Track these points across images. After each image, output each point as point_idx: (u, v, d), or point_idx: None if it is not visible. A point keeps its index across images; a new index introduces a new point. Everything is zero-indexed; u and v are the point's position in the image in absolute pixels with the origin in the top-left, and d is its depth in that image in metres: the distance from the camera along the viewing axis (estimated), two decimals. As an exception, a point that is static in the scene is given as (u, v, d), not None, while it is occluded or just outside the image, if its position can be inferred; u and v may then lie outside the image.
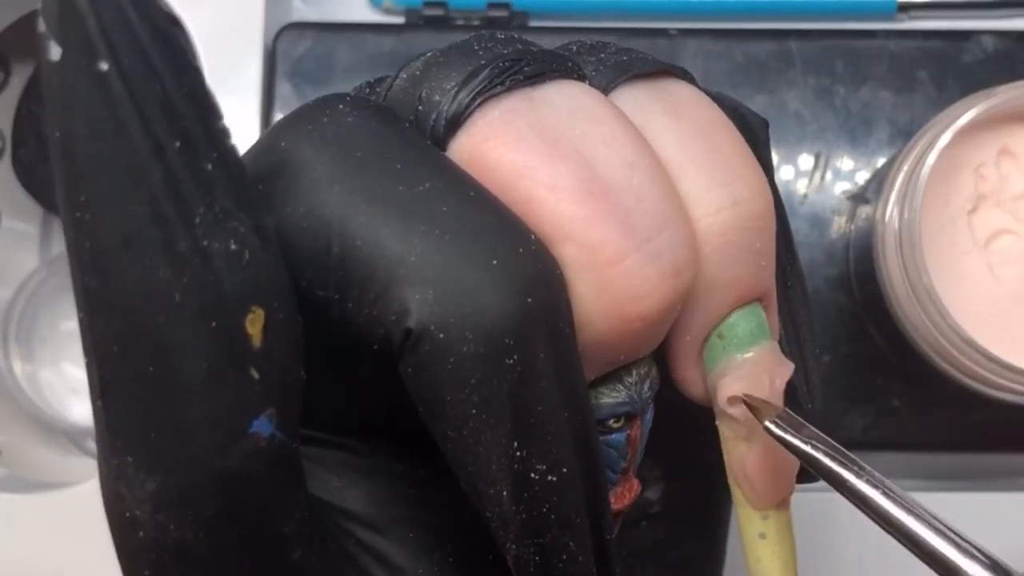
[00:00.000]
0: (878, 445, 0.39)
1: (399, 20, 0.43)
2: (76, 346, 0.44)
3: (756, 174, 0.19)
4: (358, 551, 0.20)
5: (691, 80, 0.21)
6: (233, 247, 0.16)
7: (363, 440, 0.21)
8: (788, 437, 0.18)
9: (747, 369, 0.19)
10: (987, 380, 0.34)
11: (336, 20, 0.42)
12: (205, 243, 0.15)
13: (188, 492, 0.16)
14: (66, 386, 0.44)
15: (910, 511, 0.17)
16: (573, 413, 0.17)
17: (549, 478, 0.17)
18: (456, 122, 0.18)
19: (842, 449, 0.18)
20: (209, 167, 0.15)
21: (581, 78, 0.19)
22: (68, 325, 0.45)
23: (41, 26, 0.15)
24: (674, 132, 0.19)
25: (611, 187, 0.17)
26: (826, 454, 0.18)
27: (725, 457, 0.20)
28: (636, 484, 0.21)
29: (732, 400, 0.19)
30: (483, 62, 0.18)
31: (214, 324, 0.15)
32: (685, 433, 0.22)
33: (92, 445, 0.44)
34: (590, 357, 0.18)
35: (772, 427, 0.19)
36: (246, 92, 0.39)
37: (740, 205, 0.19)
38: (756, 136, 0.21)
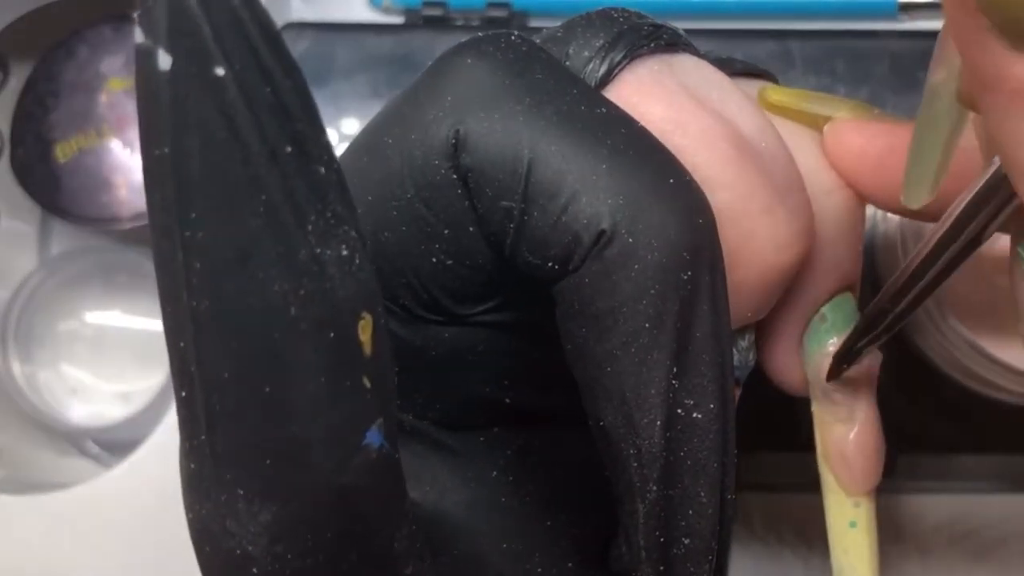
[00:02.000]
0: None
1: (398, 20, 0.42)
2: (75, 347, 0.44)
3: None
4: (464, 562, 0.19)
5: (777, 81, 0.22)
6: (345, 253, 0.15)
7: (460, 440, 0.21)
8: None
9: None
10: (987, 380, 0.34)
11: (335, 20, 0.42)
12: (319, 250, 0.15)
13: (307, 516, 0.15)
14: (65, 387, 0.44)
15: None
16: (720, 349, 0.17)
17: (695, 415, 0.17)
18: (608, 77, 0.19)
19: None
20: (322, 171, 0.15)
21: (701, 57, 0.20)
22: (67, 326, 0.44)
23: (139, 37, 0.14)
24: (780, 121, 0.20)
25: (753, 145, 0.18)
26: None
27: (819, 442, 0.21)
28: None
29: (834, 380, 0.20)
30: (626, 27, 0.19)
31: (332, 335, 0.15)
32: None
33: (91, 446, 0.44)
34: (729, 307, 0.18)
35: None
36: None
37: (845, 188, 0.20)
38: None
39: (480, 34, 0.19)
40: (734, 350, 0.20)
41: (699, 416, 0.17)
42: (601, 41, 0.19)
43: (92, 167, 0.44)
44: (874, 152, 0.20)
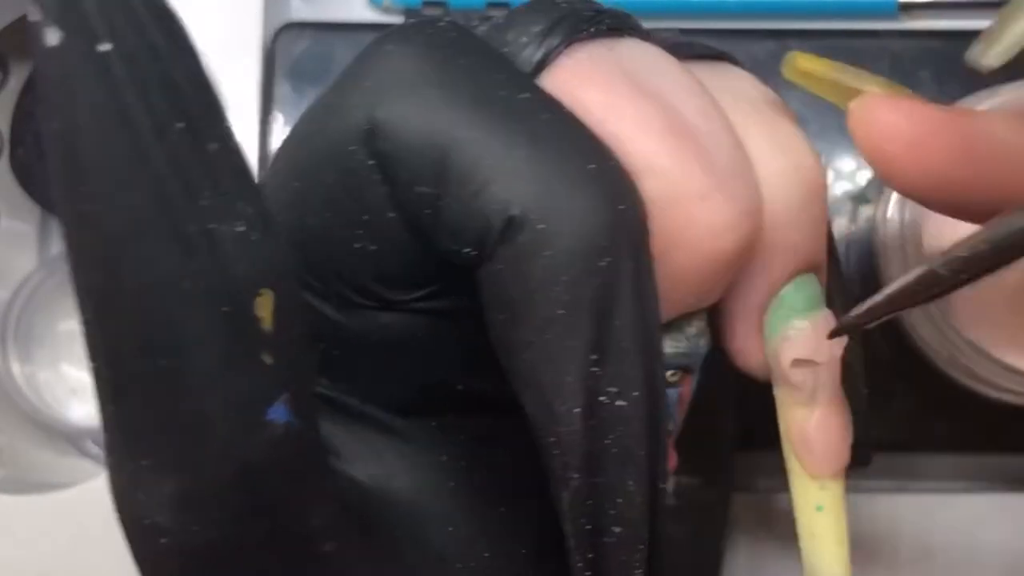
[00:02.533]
0: (878, 446, 0.39)
1: (398, 20, 0.42)
2: (75, 347, 0.44)
3: (812, 149, 0.20)
4: (402, 543, 0.20)
5: (742, 65, 0.22)
6: (240, 229, 0.15)
7: (410, 425, 0.21)
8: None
9: (808, 333, 0.20)
10: (987, 381, 0.34)
11: (335, 20, 0.42)
12: (212, 226, 0.15)
13: (210, 488, 0.16)
14: (65, 387, 0.44)
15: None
16: (646, 337, 0.17)
17: (618, 403, 0.17)
18: (543, 63, 0.19)
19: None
20: (214, 147, 0.15)
21: (651, 42, 0.20)
22: (66, 326, 0.44)
23: (33, 14, 0.15)
24: (734, 104, 0.20)
25: (693, 129, 0.18)
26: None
27: (782, 426, 0.21)
28: (674, 456, 0.21)
29: (795, 363, 0.20)
30: (567, 12, 0.19)
31: (225, 309, 0.15)
32: (690, 429, 0.22)
33: (91, 446, 0.44)
34: (663, 294, 0.18)
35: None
36: (245, 91, 0.39)
37: (801, 170, 0.20)
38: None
39: (411, 21, 0.19)
40: (681, 336, 0.20)
41: (623, 404, 0.17)
42: (540, 27, 0.19)
43: (92, 167, 0.44)
44: (908, 132, 0.19)
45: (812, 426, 0.20)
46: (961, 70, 0.41)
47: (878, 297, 0.19)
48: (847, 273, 0.39)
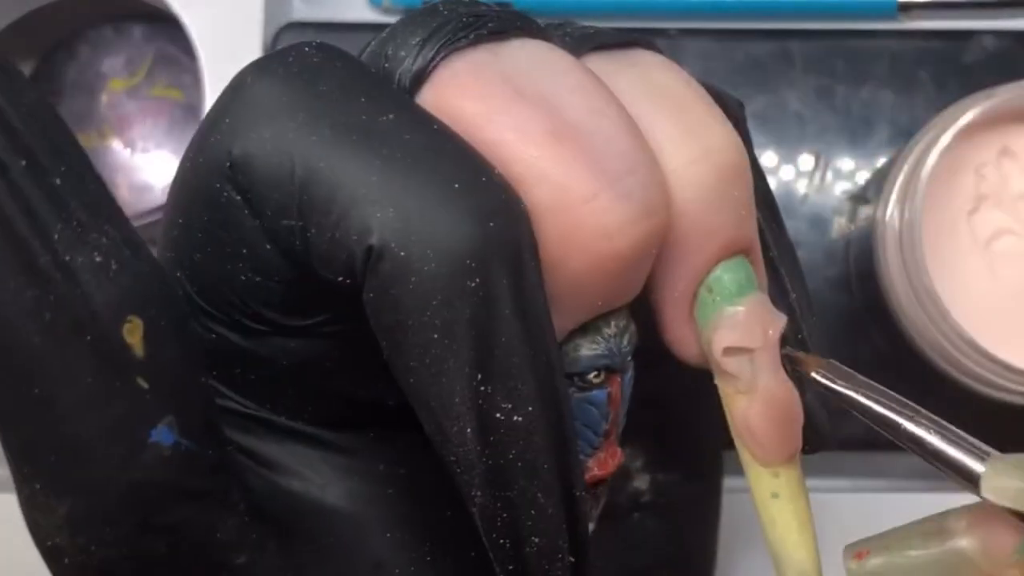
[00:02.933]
0: (879, 445, 0.39)
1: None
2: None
3: (727, 128, 0.19)
4: (334, 550, 0.20)
5: (657, 50, 0.21)
6: (98, 259, 0.16)
7: (345, 437, 0.21)
8: (836, 387, 0.18)
9: (739, 319, 0.19)
10: (987, 380, 0.34)
11: (336, 20, 0.42)
12: (67, 258, 0.15)
13: (100, 510, 0.16)
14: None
15: (967, 450, 0.17)
16: (538, 351, 0.17)
17: (515, 418, 0.17)
18: (421, 76, 0.18)
19: (892, 394, 0.18)
20: (58, 182, 0.16)
21: (545, 39, 0.19)
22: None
23: None
24: (641, 91, 0.19)
25: (579, 130, 0.18)
26: (877, 401, 0.18)
27: (728, 416, 0.20)
28: (619, 452, 0.21)
29: (728, 351, 0.19)
30: (447, 19, 0.19)
31: (89, 338, 0.15)
32: (663, 424, 0.22)
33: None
34: (565, 302, 0.18)
35: (819, 378, 0.19)
36: (246, 92, 0.39)
37: (713, 155, 0.19)
38: (734, 114, 0.21)
39: (279, 48, 0.19)
40: (599, 338, 0.19)
41: (520, 419, 0.17)
42: (417, 38, 0.18)
43: (93, 167, 0.44)
44: None
45: (755, 413, 0.19)
46: (960, 71, 0.41)
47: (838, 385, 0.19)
48: (846, 273, 0.39)
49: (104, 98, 0.45)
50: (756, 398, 0.19)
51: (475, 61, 0.18)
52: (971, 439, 0.17)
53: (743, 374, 0.19)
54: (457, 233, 0.16)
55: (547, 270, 0.17)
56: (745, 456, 0.20)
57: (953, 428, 0.18)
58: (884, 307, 0.35)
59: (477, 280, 0.16)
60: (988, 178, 0.35)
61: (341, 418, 0.21)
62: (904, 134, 0.39)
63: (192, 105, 0.45)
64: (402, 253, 0.16)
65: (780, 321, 0.20)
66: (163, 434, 0.16)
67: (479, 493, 0.17)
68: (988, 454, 0.17)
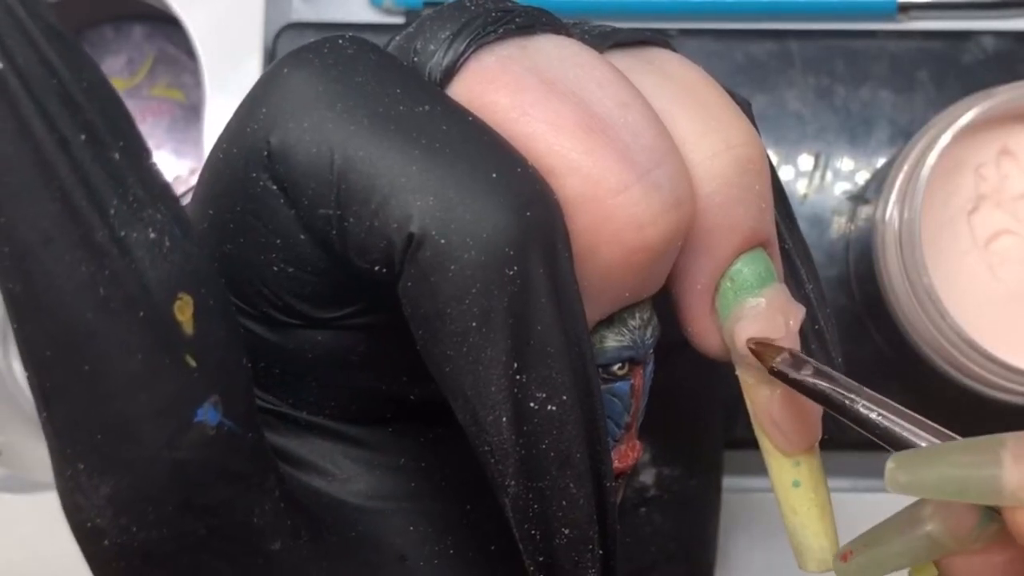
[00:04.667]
0: (879, 445, 0.39)
1: (399, 20, 0.43)
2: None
3: (746, 123, 0.20)
4: (359, 543, 0.20)
5: (673, 48, 0.21)
6: (152, 235, 0.16)
7: (366, 432, 0.21)
8: (793, 375, 0.19)
9: (762, 310, 0.19)
10: (987, 380, 0.34)
11: (336, 20, 0.42)
12: (123, 233, 0.15)
13: (144, 489, 0.16)
14: (66, 386, 0.44)
15: (915, 425, 0.18)
16: (572, 339, 0.17)
17: (549, 407, 0.17)
18: (452, 69, 0.18)
19: (846, 379, 0.18)
20: (117, 157, 0.16)
21: (568, 35, 0.20)
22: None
23: None
24: (662, 87, 0.19)
25: (608, 123, 0.18)
26: (831, 385, 0.18)
27: (749, 406, 0.20)
28: (639, 445, 0.21)
29: (751, 343, 0.19)
30: (475, 14, 0.19)
31: (142, 314, 0.15)
32: (669, 419, 0.22)
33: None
34: (595, 292, 0.18)
35: (779, 367, 0.19)
36: (246, 92, 0.39)
37: (734, 149, 0.19)
38: (745, 112, 0.21)
39: (310, 41, 0.19)
40: (624, 329, 0.19)
41: (554, 408, 0.17)
42: (447, 32, 0.18)
43: (93, 167, 0.44)
44: None
45: (777, 403, 0.20)
46: (960, 71, 0.41)
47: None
48: (846, 273, 0.39)
49: (104, 98, 0.45)
50: (778, 388, 0.20)
51: (504, 55, 0.18)
52: (920, 419, 0.18)
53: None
54: (497, 221, 0.16)
55: (578, 261, 0.17)
56: (766, 445, 0.20)
57: (903, 410, 0.18)
58: (884, 307, 0.35)
59: (515, 268, 0.16)
60: (988, 178, 0.35)
61: (363, 413, 0.21)
62: (904, 134, 0.39)
63: (192, 105, 0.45)
64: (442, 241, 0.16)
65: (800, 311, 0.20)
66: (209, 413, 0.16)
67: (512, 483, 0.17)
68: (941, 434, 0.17)
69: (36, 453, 0.43)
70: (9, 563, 0.38)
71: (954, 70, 0.40)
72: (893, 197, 0.34)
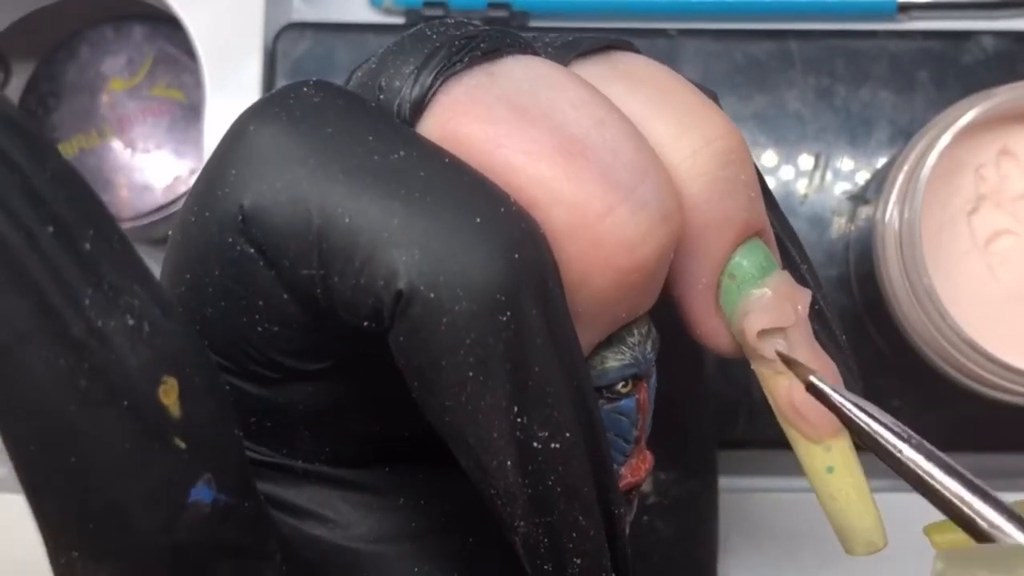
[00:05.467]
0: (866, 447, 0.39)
1: (399, 20, 0.43)
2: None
3: (720, 115, 0.19)
4: None
5: (635, 50, 0.21)
6: (131, 322, 0.15)
7: (362, 474, 0.21)
8: (832, 395, 0.18)
9: (768, 300, 0.19)
10: (987, 380, 0.34)
11: (336, 20, 0.42)
12: (100, 323, 0.15)
13: (142, 574, 0.16)
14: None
15: (949, 472, 0.17)
16: (570, 375, 0.17)
17: (552, 445, 0.17)
18: (420, 104, 0.18)
19: (883, 413, 0.18)
20: (88, 247, 0.15)
21: (535, 53, 0.19)
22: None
23: None
24: (632, 92, 0.19)
25: (587, 144, 0.17)
26: (867, 414, 0.18)
27: (770, 399, 0.20)
28: (649, 456, 0.21)
29: (762, 335, 0.19)
30: (438, 44, 0.18)
31: (126, 403, 0.15)
32: (659, 423, 0.22)
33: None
34: (591, 318, 0.18)
35: (816, 382, 0.18)
36: (246, 92, 0.39)
37: (713, 143, 0.19)
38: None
39: (274, 90, 0.18)
40: (624, 348, 0.19)
41: (557, 446, 0.17)
42: (411, 67, 0.18)
43: (93, 167, 0.44)
44: None
45: (798, 391, 0.19)
46: (960, 71, 0.41)
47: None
48: (846, 273, 0.39)
49: (104, 98, 0.45)
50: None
51: (473, 84, 0.18)
52: (963, 472, 0.18)
53: (779, 354, 0.19)
54: (485, 269, 0.16)
55: (570, 291, 0.17)
56: (793, 435, 0.20)
57: (946, 458, 0.18)
58: (884, 307, 0.35)
59: (508, 314, 0.16)
60: (988, 178, 0.35)
61: (358, 456, 0.20)
62: (904, 134, 0.39)
63: (192, 105, 0.45)
64: (432, 295, 0.16)
65: (806, 295, 0.20)
66: (202, 492, 0.16)
67: (522, 523, 0.17)
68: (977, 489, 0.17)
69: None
70: (9, 563, 0.38)
71: (954, 70, 0.40)
72: (893, 197, 0.34)
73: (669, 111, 0.19)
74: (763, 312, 0.19)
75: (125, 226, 0.44)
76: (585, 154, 0.17)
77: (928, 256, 0.33)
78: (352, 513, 0.20)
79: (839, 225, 0.39)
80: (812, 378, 0.19)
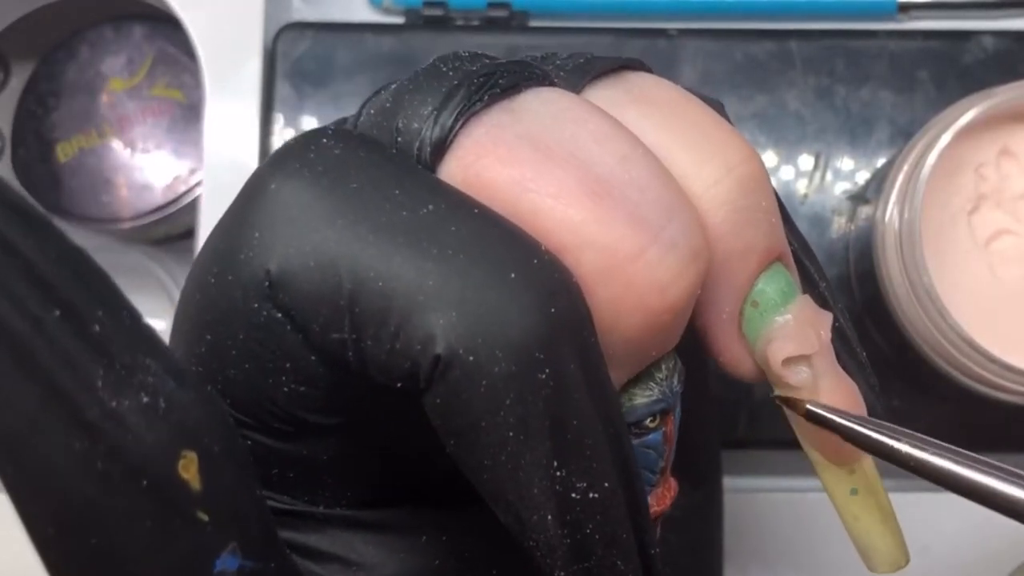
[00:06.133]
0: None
1: (399, 20, 0.43)
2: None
3: (739, 139, 0.19)
4: None
5: (647, 69, 0.20)
6: (145, 400, 0.15)
7: (385, 515, 0.20)
8: (832, 416, 0.18)
9: (791, 328, 0.19)
10: (987, 380, 0.34)
11: (336, 20, 0.42)
12: (114, 404, 0.15)
13: None
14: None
15: (961, 462, 0.18)
16: (608, 424, 0.16)
17: (591, 495, 0.16)
18: (442, 146, 0.17)
19: (880, 421, 0.18)
20: (97, 329, 0.15)
21: (552, 84, 0.19)
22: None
23: None
24: (650, 118, 0.19)
25: (613, 184, 0.17)
26: (869, 427, 0.18)
27: (794, 425, 0.20)
28: (674, 483, 0.21)
29: (787, 363, 0.19)
30: (456, 82, 0.18)
31: (145, 483, 0.15)
32: None
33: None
34: (622, 360, 0.18)
35: (815, 409, 0.19)
36: (246, 92, 0.39)
37: (735, 170, 0.19)
38: (719, 112, 0.21)
39: (292, 139, 0.17)
40: (652, 384, 0.19)
41: (596, 496, 0.16)
42: (429, 107, 0.17)
43: (93, 167, 0.44)
44: None
45: None
46: (960, 71, 0.41)
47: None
48: (846, 272, 0.39)
49: (104, 98, 0.45)
50: (822, 401, 0.19)
51: (494, 124, 0.18)
52: (961, 451, 0.18)
53: (805, 382, 0.19)
54: (524, 327, 0.15)
55: (601, 333, 0.17)
56: (817, 458, 0.20)
57: (941, 443, 0.18)
58: (884, 307, 0.35)
59: (547, 371, 0.16)
60: (988, 178, 0.35)
61: (377, 498, 0.20)
62: (904, 134, 0.39)
63: (192, 105, 0.45)
64: (471, 358, 0.15)
65: (827, 319, 0.19)
66: (227, 561, 0.16)
67: (562, 573, 0.17)
68: (988, 464, 0.17)
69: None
70: (9, 563, 0.38)
71: (954, 70, 0.40)
72: (893, 197, 0.34)
73: (687, 136, 0.19)
74: (786, 340, 0.19)
75: (126, 226, 0.44)
76: (612, 194, 0.17)
77: (928, 256, 0.33)
78: (375, 554, 0.20)
79: (839, 225, 0.39)
80: (808, 406, 0.19)
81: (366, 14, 0.43)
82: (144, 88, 0.45)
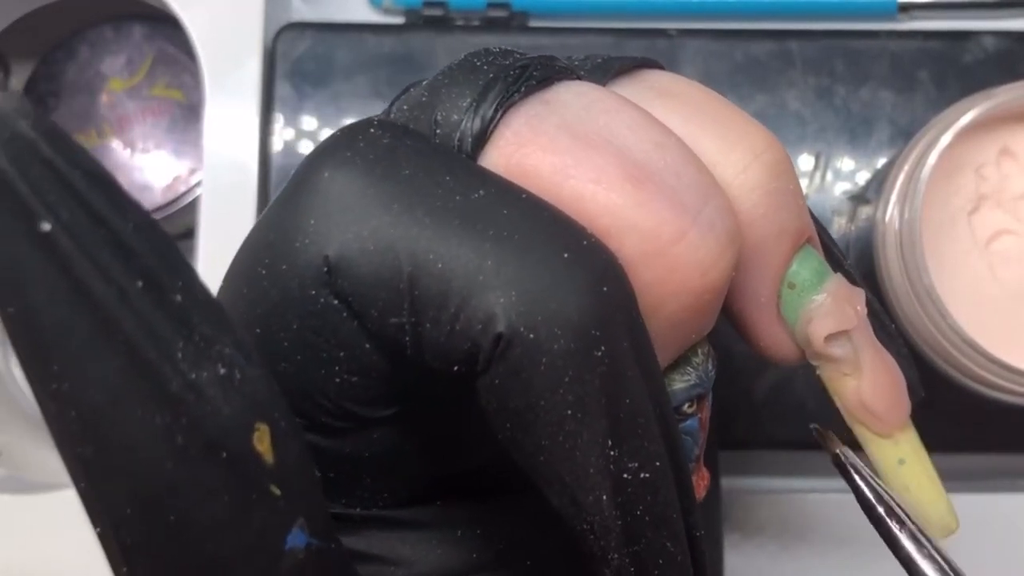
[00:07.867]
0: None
1: (399, 20, 0.43)
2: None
3: (760, 127, 0.20)
4: None
5: (661, 67, 0.21)
6: (222, 371, 0.15)
7: (420, 512, 0.20)
8: (852, 475, 0.20)
9: (829, 305, 0.20)
10: (987, 380, 0.34)
11: (336, 20, 0.42)
12: (193, 376, 0.15)
13: None
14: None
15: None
16: (657, 403, 0.17)
17: (643, 475, 0.17)
18: (483, 137, 0.18)
19: (894, 502, 0.20)
20: (179, 298, 0.15)
21: (579, 78, 0.19)
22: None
23: None
24: (675, 112, 0.19)
25: (651, 169, 0.17)
26: (879, 500, 0.20)
27: (837, 401, 0.20)
28: (706, 472, 0.21)
29: (829, 339, 0.20)
30: (492, 75, 0.18)
31: (224, 455, 0.15)
32: None
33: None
34: (665, 342, 0.18)
35: (843, 456, 0.20)
36: (245, 92, 0.39)
37: (761, 156, 0.19)
38: None
39: (339, 131, 0.18)
40: (690, 369, 0.19)
41: (647, 476, 0.17)
42: (468, 100, 0.18)
43: (93, 167, 0.44)
44: None
45: (867, 391, 0.20)
46: (960, 71, 0.41)
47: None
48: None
49: (104, 98, 0.45)
50: (864, 375, 0.20)
51: (532, 114, 0.18)
52: (953, 563, 0.19)
53: (847, 356, 0.20)
54: (580, 305, 0.16)
55: (646, 316, 0.17)
56: (864, 433, 0.21)
57: (940, 551, 0.19)
58: (884, 307, 0.35)
59: (603, 348, 0.16)
60: (988, 178, 0.35)
61: (412, 495, 0.20)
62: (904, 134, 0.39)
63: (192, 105, 0.45)
64: (531, 336, 0.16)
65: (862, 294, 0.20)
66: (297, 538, 0.16)
67: (616, 556, 0.17)
68: None
69: (36, 454, 0.43)
70: (9, 563, 0.38)
71: (954, 70, 0.40)
72: (893, 197, 0.34)
73: (712, 127, 0.19)
74: (827, 317, 0.20)
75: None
76: (652, 179, 0.17)
77: (928, 256, 0.33)
78: (413, 552, 0.20)
79: (839, 225, 0.39)
80: (838, 451, 0.20)
81: (366, 14, 0.43)
82: (144, 88, 0.45)
